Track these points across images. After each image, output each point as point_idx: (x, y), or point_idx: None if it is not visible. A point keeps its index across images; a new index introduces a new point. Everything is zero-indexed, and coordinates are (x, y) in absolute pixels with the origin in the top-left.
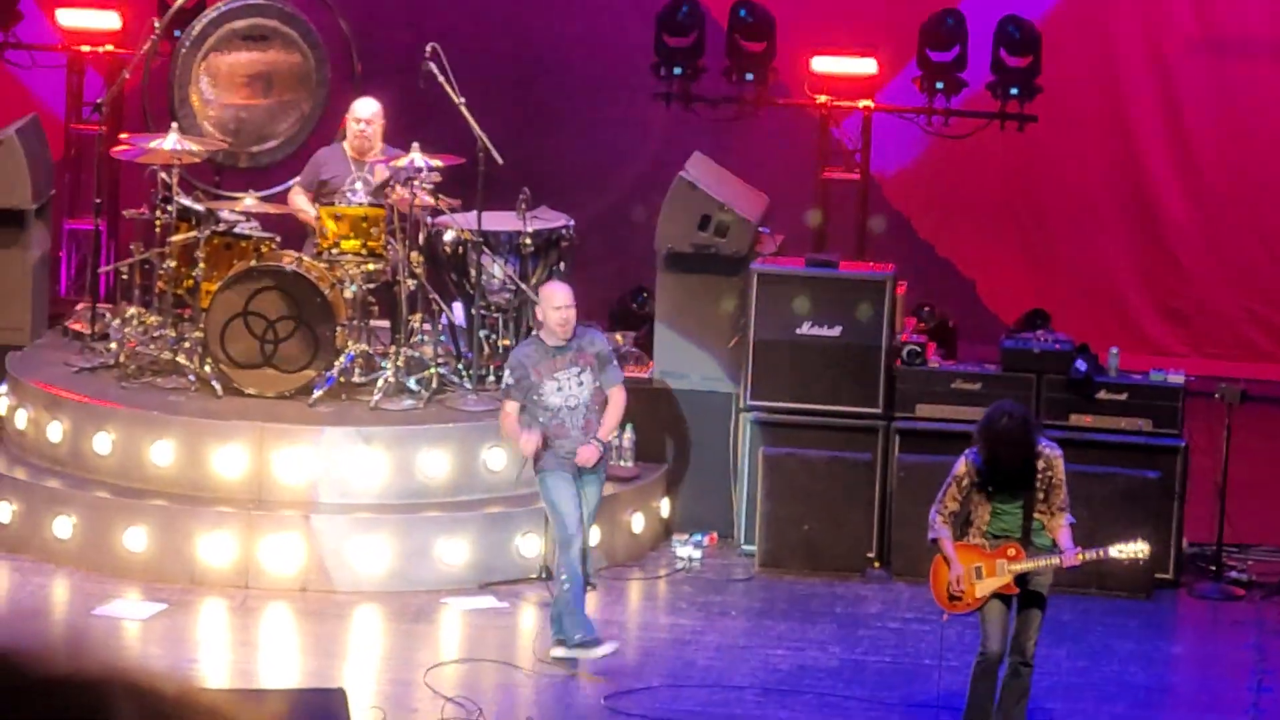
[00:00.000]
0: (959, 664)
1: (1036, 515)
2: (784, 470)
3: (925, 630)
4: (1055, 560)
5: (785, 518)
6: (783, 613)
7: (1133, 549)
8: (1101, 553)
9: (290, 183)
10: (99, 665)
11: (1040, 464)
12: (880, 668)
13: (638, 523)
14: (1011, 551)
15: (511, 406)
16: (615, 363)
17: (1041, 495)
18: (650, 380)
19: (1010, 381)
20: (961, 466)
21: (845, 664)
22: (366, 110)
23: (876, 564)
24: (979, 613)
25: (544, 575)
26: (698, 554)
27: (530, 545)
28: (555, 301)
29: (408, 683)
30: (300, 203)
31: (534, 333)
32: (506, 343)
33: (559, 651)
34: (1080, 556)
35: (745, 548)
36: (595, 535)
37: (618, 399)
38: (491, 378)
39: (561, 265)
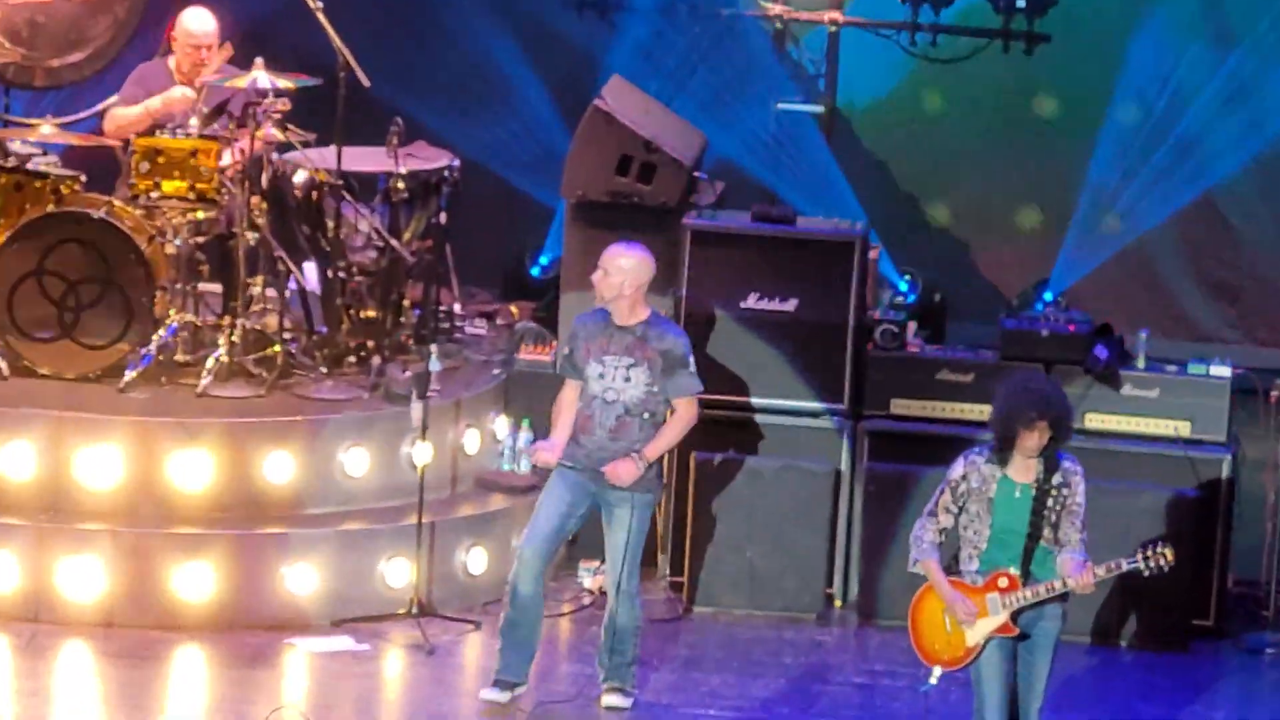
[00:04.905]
0: None
1: (1043, 543)
2: (722, 480)
3: (899, 687)
4: (1058, 585)
5: (723, 541)
6: (717, 663)
7: (1157, 554)
8: (1116, 565)
9: (104, 104)
10: None
11: (1057, 477)
12: None
13: None
14: (1004, 582)
15: (568, 388)
16: (691, 370)
17: (1053, 520)
18: (553, 364)
19: (1011, 373)
20: (959, 468)
21: None
22: (201, 27)
23: (838, 603)
24: (972, 669)
25: (415, 610)
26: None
27: (398, 572)
28: (602, 261)
29: None
30: (131, 113)
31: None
32: (370, 314)
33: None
34: (1091, 573)
35: (671, 579)
36: (628, 581)
37: (682, 414)
38: (352, 358)
39: (442, 217)
